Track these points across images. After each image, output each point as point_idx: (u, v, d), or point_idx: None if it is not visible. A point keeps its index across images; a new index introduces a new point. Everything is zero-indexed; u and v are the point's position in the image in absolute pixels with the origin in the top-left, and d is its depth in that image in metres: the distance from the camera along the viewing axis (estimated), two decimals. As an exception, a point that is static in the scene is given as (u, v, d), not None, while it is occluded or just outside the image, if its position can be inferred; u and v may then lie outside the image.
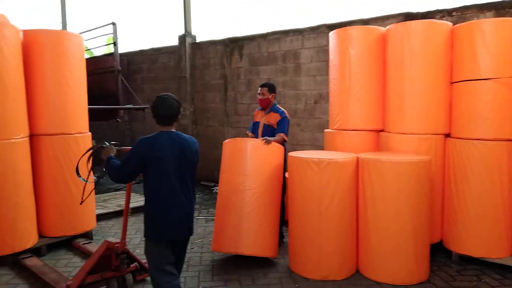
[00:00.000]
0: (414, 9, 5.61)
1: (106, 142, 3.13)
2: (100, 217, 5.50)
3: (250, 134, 4.97)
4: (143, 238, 2.81)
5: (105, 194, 6.92)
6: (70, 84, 4.47)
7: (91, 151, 3.32)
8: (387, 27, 4.47)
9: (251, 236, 3.93)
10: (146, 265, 3.24)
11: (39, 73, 4.36)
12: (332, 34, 4.77)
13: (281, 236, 4.58)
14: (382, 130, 4.56)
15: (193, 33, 8.50)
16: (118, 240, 3.39)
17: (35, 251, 4.34)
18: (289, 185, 4.06)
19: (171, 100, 2.74)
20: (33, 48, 4.33)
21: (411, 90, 4.18)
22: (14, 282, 3.78)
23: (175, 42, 8.68)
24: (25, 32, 4.33)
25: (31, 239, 4.28)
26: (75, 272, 3.54)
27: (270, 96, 4.68)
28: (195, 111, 8.57)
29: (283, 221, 4.54)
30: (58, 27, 11.55)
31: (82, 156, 3.38)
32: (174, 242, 2.79)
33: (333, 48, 4.75)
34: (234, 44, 7.80)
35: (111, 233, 5.20)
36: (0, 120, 3.94)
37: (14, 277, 3.89)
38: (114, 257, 3.37)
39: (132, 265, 3.56)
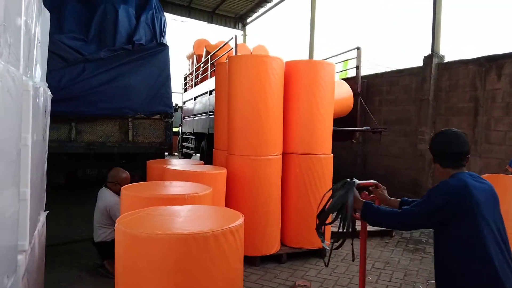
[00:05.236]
0: None
1: (351, 180, 2.57)
2: (332, 235, 5.67)
3: (511, 169, 4.21)
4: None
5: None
6: (320, 109, 4.81)
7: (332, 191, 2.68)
8: None
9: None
10: None
11: (295, 99, 4.85)
12: None
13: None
14: None
15: (440, 52, 7.91)
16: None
17: (277, 258, 4.82)
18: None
19: (463, 135, 2.30)
20: (292, 77, 4.86)
21: None
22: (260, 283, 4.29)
23: (418, 63, 8.28)
24: (287, 62, 4.90)
25: (275, 246, 4.80)
26: None
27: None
28: (436, 136, 7.93)
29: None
30: (306, 52, 12.79)
31: (323, 199, 2.84)
32: None
33: None
34: (491, 63, 6.82)
35: (343, 253, 5.28)
36: (262, 139, 4.59)
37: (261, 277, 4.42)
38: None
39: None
